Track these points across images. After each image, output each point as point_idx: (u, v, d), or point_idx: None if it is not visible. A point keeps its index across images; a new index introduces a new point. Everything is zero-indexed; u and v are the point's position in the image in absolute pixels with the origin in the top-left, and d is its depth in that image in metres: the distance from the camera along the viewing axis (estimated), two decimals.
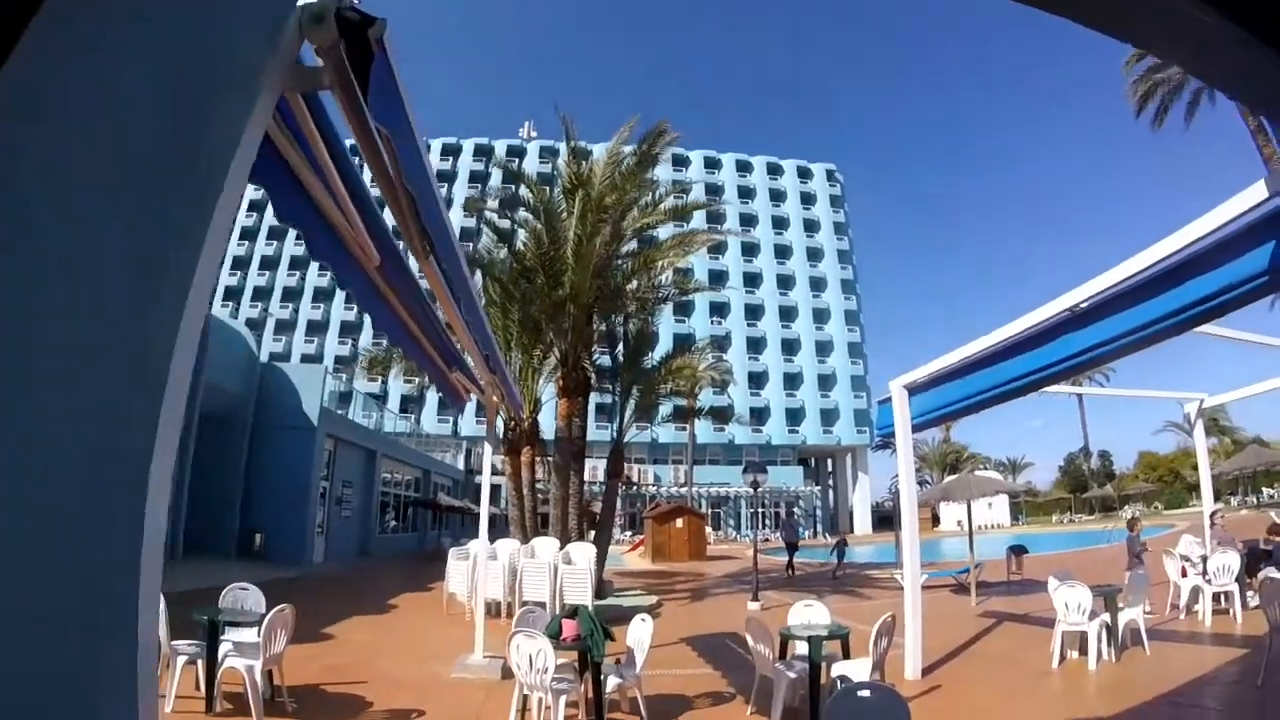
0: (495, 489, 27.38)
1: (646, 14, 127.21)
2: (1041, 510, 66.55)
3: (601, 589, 13.64)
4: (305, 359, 56.87)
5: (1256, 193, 3.53)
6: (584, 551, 12.13)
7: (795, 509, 53.25)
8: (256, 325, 52.09)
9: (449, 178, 72.15)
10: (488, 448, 7.92)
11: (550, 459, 17.15)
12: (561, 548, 12.40)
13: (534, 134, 73.20)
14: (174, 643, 5.87)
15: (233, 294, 64.43)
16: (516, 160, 55.18)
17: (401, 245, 3.72)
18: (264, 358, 28.79)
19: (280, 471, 21.26)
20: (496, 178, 60.21)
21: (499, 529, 23.83)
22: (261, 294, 65.30)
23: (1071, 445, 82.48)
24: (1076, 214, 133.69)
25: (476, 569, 9.12)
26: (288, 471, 21.39)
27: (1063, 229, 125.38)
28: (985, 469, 58.23)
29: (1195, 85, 24.07)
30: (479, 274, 15.93)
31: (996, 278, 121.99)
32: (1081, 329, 5.64)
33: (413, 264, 3.96)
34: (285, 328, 63.53)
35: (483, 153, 72.06)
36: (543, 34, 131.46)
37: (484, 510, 7.71)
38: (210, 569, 14.58)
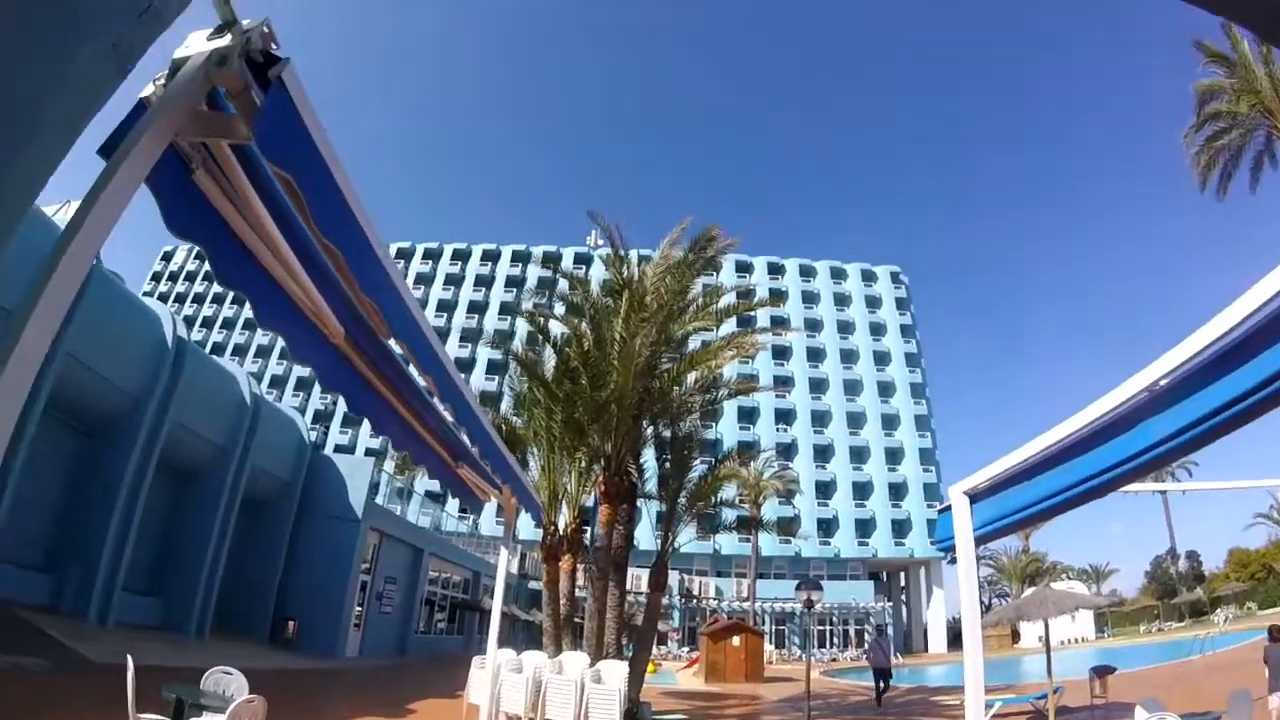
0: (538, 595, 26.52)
1: (714, 121, 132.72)
2: (1128, 620, 60.93)
3: (636, 711, 12.63)
4: (339, 449, 57.73)
5: None
6: (615, 670, 11.29)
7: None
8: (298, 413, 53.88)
9: (488, 282, 75.79)
10: (504, 552, 7.49)
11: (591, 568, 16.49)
12: (593, 664, 11.59)
13: (600, 242, 75.62)
14: (140, 715, 5.51)
15: (278, 382, 67.35)
16: (584, 267, 57.07)
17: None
18: None
19: (321, 560, 21.25)
20: (533, 280, 62.29)
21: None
22: (305, 384, 67.36)
23: (1158, 547, 76.32)
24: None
25: (497, 680, 8.50)
26: (328, 561, 21.35)
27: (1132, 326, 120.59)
28: (1067, 579, 53.93)
29: (1256, 148, 23.49)
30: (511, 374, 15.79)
31: (1072, 381, 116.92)
32: (1163, 412, 4.89)
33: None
34: (322, 418, 64.85)
35: (520, 258, 75.91)
36: (613, 144, 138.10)
37: (495, 615, 7.20)
38: (235, 651, 14.36)
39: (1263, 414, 4.08)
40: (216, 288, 67.75)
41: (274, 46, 1.84)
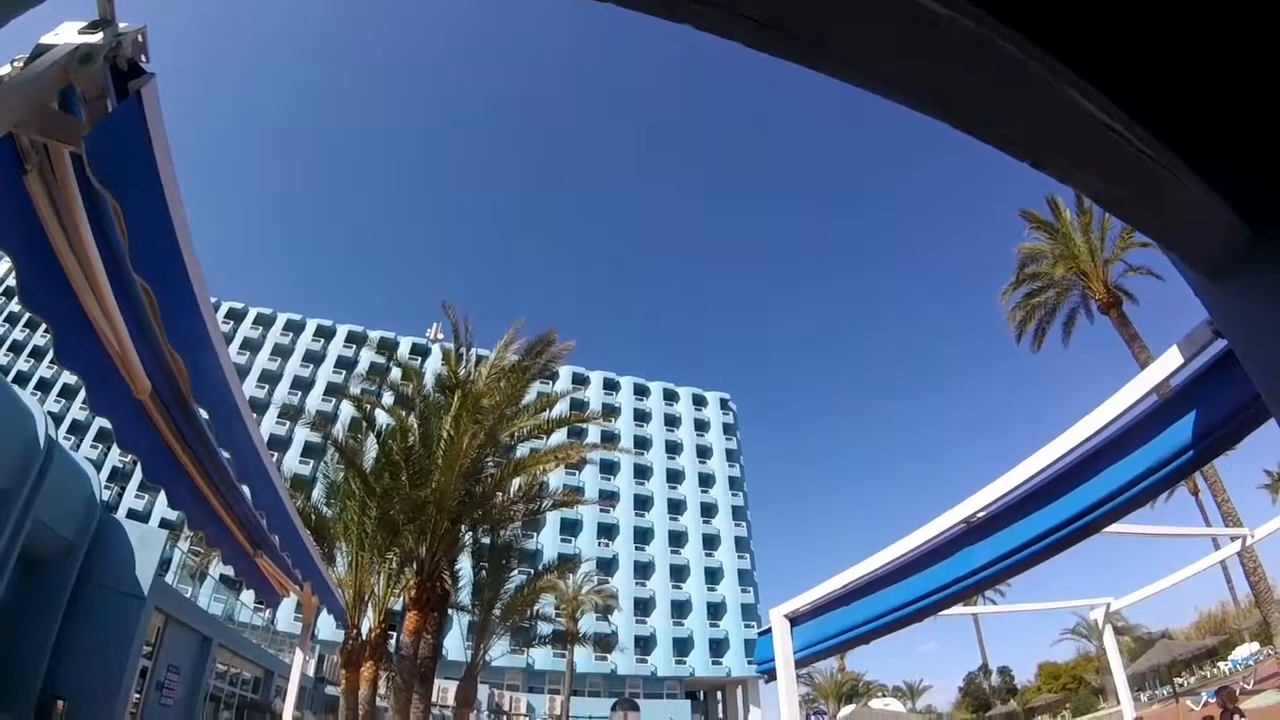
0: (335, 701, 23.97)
1: (565, 234, 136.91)
2: None
3: None
4: (131, 514, 50.04)
5: (1169, 361, 3.49)
6: None
7: None
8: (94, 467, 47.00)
9: (317, 359, 72.02)
10: (299, 653, 6.77)
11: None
12: None
13: (440, 336, 74.41)
14: None
15: (78, 428, 58.97)
16: (420, 359, 55.35)
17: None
18: None
19: (98, 637, 18.16)
20: (364, 364, 59.90)
21: None
22: (106, 436, 58.52)
23: (970, 664, 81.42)
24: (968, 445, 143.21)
25: None
26: (107, 639, 18.26)
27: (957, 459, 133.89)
28: (883, 696, 56.05)
29: (1071, 305, 26.73)
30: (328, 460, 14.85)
31: (890, 509, 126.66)
32: (980, 541, 5.33)
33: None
34: (120, 477, 57.19)
35: (355, 339, 73.04)
36: (461, 244, 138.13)
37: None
38: None
39: (1073, 544, 4.65)
40: None
41: (144, 59, 1.77)
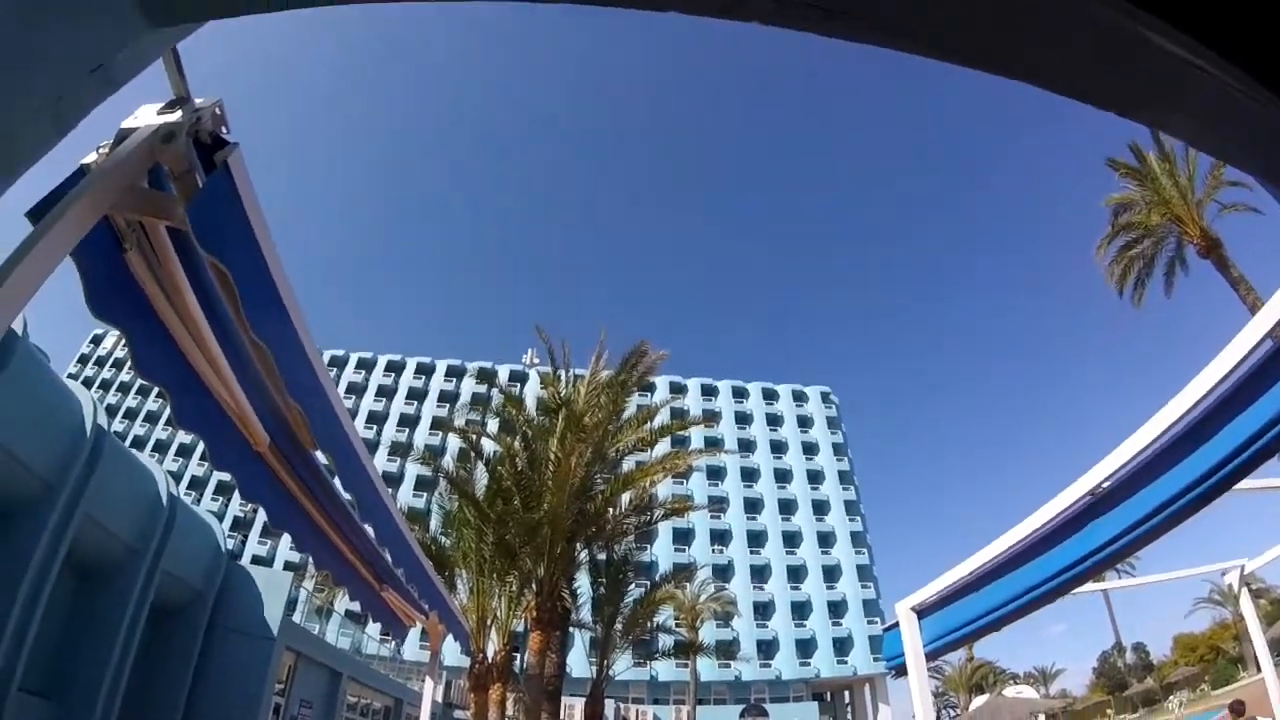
0: None
1: (654, 245, 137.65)
2: (1081, 718, 59.87)
3: None
4: (255, 559, 54.04)
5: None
6: None
7: None
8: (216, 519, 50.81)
9: (420, 395, 74.81)
10: (429, 681, 6.95)
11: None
12: None
13: (536, 360, 76.18)
14: None
15: (198, 484, 63.34)
16: (519, 385, 56.81)
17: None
18: None
19: (231, 678, 19.41)
20: (466, 395, 61.65)
21: None
22: (225, 488, 62.94)
23: (1103, 643, 76.19)
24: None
25: None
26: (239, 680, 19.50)
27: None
28: (1014, 684, 53.20)
29: (1168, 254, 25.02)
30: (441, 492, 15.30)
31: (1006, 491, 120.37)
32: (1108, 512, 4.89)
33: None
34: (241, 525, 60.97)
35: (454, 372, 75.51)
36: (546, 269, 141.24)
37: None
38: None
39: (1205, 506, 4.22)
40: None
41: (224, 130, 1.81)
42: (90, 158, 1.64)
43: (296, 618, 23.58)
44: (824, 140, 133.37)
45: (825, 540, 68.00)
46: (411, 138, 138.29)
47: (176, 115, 1.63)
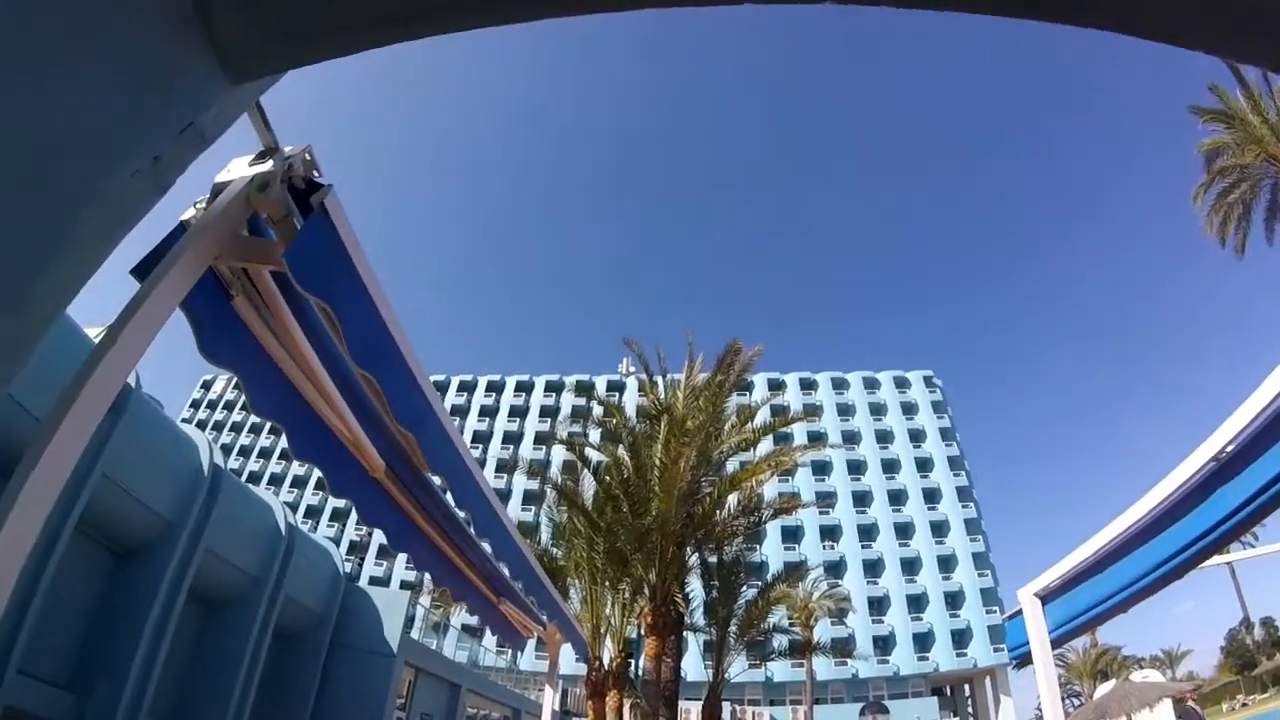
0: None
1: (739, 245, 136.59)
2: (1209, 701, 54.78)
3: None
4: (372, 580, 56.66)
5: None
6: None
7: None
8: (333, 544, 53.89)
9: (522, 412, 76.59)
10: (548, 690, 7.04)
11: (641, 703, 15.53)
12: None
13: (632, 369, 76.86)
14: None
15: (313, 512, 66.77)
16: (617, 394, 57.48)
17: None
18: None
19: (354, 696, 20.36)
20: (566, 409, 62.51)
21: None
22: (340, 514, 66.71)
23: (1230, 620, 69.86)
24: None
25: None
26: (362, 697, 20.43)
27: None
28: (1140, 668, 49.59)
29: (1266, 197, 23.33)
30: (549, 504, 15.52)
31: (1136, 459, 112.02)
32: (1234, 478, 4.44)
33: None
34: (358, 549, 63.82)
35: (553, 387, 76.99)
36: (641, 270, 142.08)
37: None
38: None
39: None
40: (254, 417, 69.53)
41: (316, 174, 1.84)
42: (189, 213, 1.71)
43: (414, 634, 24.56)
44: (902, 118, 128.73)
45: (938, 530, 65.41)
46: (484, 158, 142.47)
47: (268, 165, 1.68)
